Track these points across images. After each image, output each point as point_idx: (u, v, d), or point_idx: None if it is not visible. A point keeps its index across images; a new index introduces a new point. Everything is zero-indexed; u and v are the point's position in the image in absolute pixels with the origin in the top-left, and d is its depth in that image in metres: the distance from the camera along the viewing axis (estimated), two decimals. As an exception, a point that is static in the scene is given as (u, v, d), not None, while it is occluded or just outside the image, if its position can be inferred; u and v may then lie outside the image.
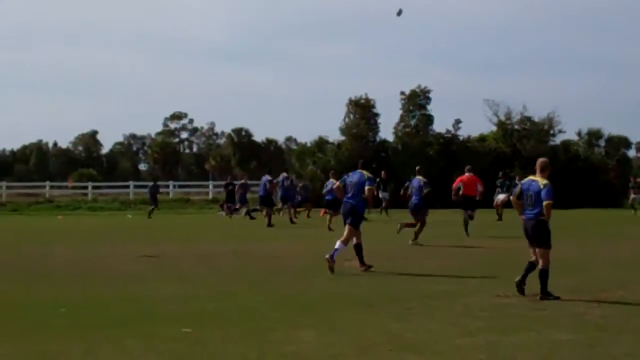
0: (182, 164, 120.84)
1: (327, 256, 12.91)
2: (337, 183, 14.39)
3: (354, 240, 13.35)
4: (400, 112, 46.65)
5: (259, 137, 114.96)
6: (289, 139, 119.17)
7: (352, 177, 13.65)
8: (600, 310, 9.28)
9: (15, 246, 19.37)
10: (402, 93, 46.70)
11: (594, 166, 45.52)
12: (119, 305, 9.94)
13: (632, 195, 34.66)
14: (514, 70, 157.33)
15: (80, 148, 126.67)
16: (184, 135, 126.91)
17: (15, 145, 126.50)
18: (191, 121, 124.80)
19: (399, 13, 21.16)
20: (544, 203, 10.14)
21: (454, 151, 44.54)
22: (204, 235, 23.54)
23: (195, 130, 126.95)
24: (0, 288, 11.56)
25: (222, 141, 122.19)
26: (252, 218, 30.63)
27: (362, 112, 45.78)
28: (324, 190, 26.33)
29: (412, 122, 46.37)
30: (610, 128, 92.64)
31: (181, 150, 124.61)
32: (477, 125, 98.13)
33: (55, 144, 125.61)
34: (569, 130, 57.27)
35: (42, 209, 41.89)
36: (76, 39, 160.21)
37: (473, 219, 21.54)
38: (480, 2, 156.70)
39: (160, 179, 51.64)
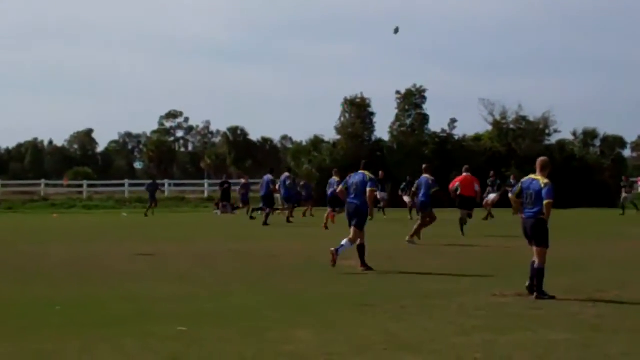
0: (177, 163, 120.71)
1: (332, 249, 13.06)
2: (340, 187, 14.46)
3: (358, 240, 13.45)
4: (396, 111, 46.78)
5: (254, 135, 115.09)
6: (284, 137, 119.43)
7: (354, 178, 13.70)
8: (595, 310, 9.30)
9: (10, 245, 19.32)
10: (398, 92, 46.76)
11: (589, 166, 45.52)
12: (115, 304, 9.93)
13: (624, 195, 34.62)
14: (513, 70, 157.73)
15: (76, 146, 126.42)
16: (180, 133, 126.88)
17: (11, 144, 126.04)
18: (187, 120, 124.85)
19: (396, 31, 21.43)
20: (545, 202, 10.13)
21: (449, 150, 44.64)
22: (200, 233, 23.53)
23: (190, 129, 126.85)
24: (-5, 286, 11.53)
25: (217, 140, 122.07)
26: (252, 218, 30.66)
27: (358, 111, 45.83)
28: (328, 189, 26.79)
29: (408, 122, 46.43)
30: (606, 128, 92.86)
31: (177, 148, 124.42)
32: (472, 124, 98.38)
33: (50, 142, 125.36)
34: (565, 130, 57.37)
35: (37, 207, 41.89)
36: (76, 39, 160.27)
37: (472, 217, 21.61)
38: (480, 2, 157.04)
39: (156, 177, 51.54)
